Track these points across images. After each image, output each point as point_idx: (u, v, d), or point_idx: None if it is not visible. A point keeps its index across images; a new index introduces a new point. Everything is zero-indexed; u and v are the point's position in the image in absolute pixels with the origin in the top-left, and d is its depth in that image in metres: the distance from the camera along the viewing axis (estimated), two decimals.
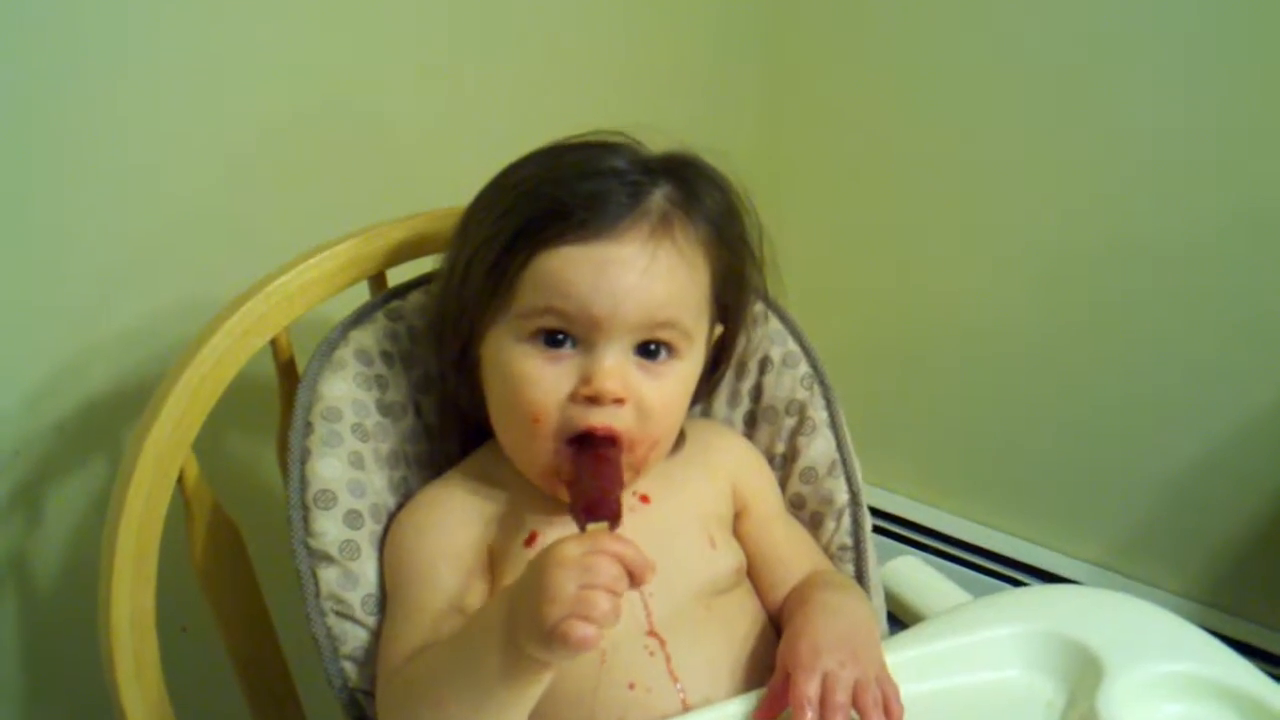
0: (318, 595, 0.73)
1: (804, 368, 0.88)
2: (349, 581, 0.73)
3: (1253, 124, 1.20)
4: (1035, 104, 1.35)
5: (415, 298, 0.85)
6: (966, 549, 1.55)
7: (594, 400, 0.69)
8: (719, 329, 0.80)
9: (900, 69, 1.46)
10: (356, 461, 0.76)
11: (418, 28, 1.08)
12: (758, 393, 0.89)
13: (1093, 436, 1.42)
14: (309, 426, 0.76)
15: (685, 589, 0.73)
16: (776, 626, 0.75)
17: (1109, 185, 1.32)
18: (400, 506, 0.78)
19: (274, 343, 0.80)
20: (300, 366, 0.81)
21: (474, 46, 1.14)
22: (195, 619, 0.83)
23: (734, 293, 0.79)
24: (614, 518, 0.62)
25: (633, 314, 0.69)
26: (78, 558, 0.92)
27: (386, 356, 0.81)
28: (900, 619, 0.89)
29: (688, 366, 0.75)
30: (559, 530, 0.72)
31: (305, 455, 0.75)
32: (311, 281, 0.80)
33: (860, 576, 0.83)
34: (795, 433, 0.86)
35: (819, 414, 0.86)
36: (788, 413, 0.87)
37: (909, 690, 0.67)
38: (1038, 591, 0.87)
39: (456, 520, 0.74)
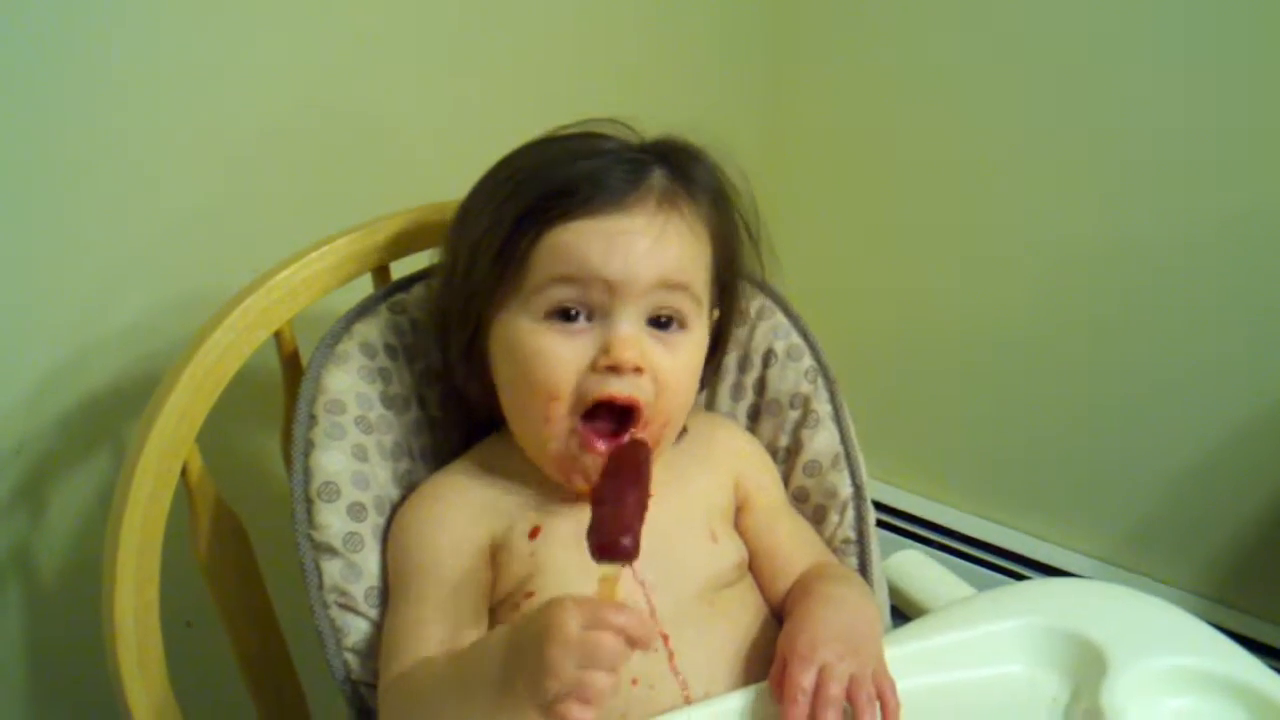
0: (321, 587, 0.73)
1: (808, 361, 0.88)
2: (352, 574, 0.73)
3: (1253, 124, 1.20)
4: (1036, 102, 1.35)
5: (418, 290, 0.85)
6: (970, 543, 1.55)
7: (614, 369, 0.69)
8: (715, 312, 0.80)
9: (901, 68, 1.46)
10: (360, 454, 0.76)
11: (417, 24, 1.07)
12: (761, 386, 0.89)
13: (1096, 431, 1.42)
14: (312, 419, 0.76)
15: (687, 585, 0.73)
16: (779, 621, 0.75)
17: (1110, 182, 1.32)
18: (404, 499, 0.78)
19: (277, 336, 0.80)
20: (304, 360, 0.81)
21: (473, 42, 1.14)
22: (199, 613, 0.83)
23: (731, 273, 0.80)
24: (630, 559, 0.59)
25: (647, 275, 0.69)
26: (81, 553, 0.92)
27: (390, 349, 0.81)
28: (903, 613, 0.89)
29: (696, 340, 0.75)
30: (564, 523, 0.73)
31: (309, 448, 0.75)
32: (314, 275, 0.80)
33: (863, 570, 0.83)
34: (799, 426, 0.86)
35: (823, 407, 0.86)
36: (791, 406, 0.87)
37: (912, 684, 0.67)
38: (1041, 585, 0.87)
39: (460, 512, 0.74)
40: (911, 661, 0.69)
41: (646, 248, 0.70)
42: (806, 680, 0.63)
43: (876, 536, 0.84)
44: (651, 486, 0.72)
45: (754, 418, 0.89)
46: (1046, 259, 1.40)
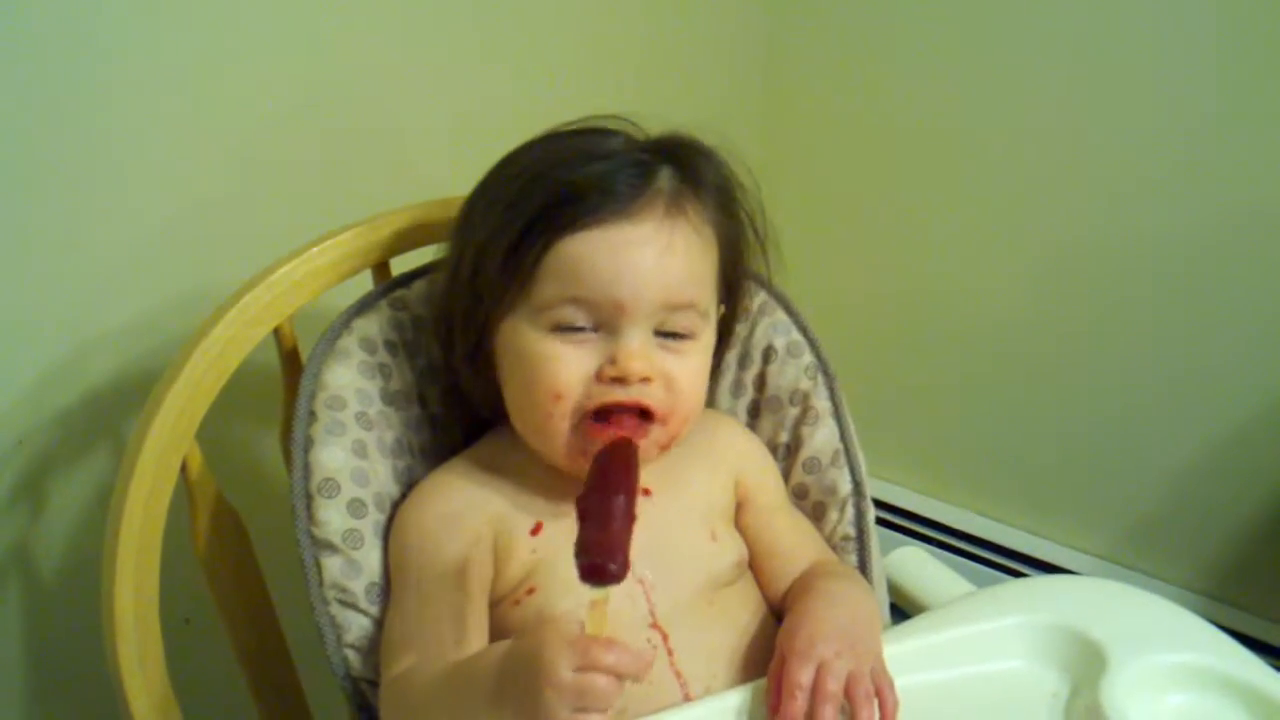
0: (321, 584, 0.73)
1: (808, 357, 0.88)
2: (352, 570, 0.73)
3: (1253, 124, 1.20)
4: (1037, 102, 1.35)
5: (419, 286, 0.85)
6: (970, 541, 1.55)
7: (620, 380, 0.69)
8: (721, 308, 0.80)
9: (901, 67, 1.46)
10: (360, 450, 0.76)
11: (421, 19, 1.07)
12: (761, 382, 0.89)
13: (1096, 429, 1.42)
14: (312, 415, 0.76)
15: (687, 583, 0.73)
16: (779, 618, 0.75)
17: (1110, 181, 1.32)
18: (404, 496, 0.78)
19: (277, 332, 0.80)
20: (304, 356, 0.80)
21: (475, 38, 1.14)
22: (199, 610, 0.83)
23: (737, 273, 0.80)
24: (618, 581, 0.56)
25: (655, 296, 0.69)
26: (81, 549, 0.92)
27: (390, 345, 0.81)
28: (903, 610, 0.89)
29: (704, 344, 0.75)
30: (564, 521, 0.72)
31: (308, 444, 0.75)
32: (314, 271, 0.80)
33: (863, 567, 0.83)
34: (799, 422, 0.86)
35: (822, 404, 0.86)
36: (791, 402, 0.87)
37: (912, 681, 0.67)
38: (1041, 582, 0.87)
39: (462, 508, 0.74)
40: (912, 658, 0.69)
41: (654, 261, 0.69)
42: (804, 676, 0.63)
43: (876, 533, 0.84)
44: (642, 485, 0.71)
45: (754, 414, 0.89)
46: (1047, 256, 1.40)
